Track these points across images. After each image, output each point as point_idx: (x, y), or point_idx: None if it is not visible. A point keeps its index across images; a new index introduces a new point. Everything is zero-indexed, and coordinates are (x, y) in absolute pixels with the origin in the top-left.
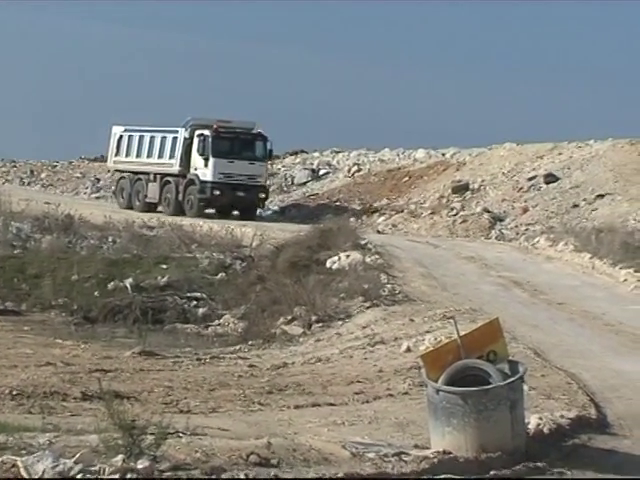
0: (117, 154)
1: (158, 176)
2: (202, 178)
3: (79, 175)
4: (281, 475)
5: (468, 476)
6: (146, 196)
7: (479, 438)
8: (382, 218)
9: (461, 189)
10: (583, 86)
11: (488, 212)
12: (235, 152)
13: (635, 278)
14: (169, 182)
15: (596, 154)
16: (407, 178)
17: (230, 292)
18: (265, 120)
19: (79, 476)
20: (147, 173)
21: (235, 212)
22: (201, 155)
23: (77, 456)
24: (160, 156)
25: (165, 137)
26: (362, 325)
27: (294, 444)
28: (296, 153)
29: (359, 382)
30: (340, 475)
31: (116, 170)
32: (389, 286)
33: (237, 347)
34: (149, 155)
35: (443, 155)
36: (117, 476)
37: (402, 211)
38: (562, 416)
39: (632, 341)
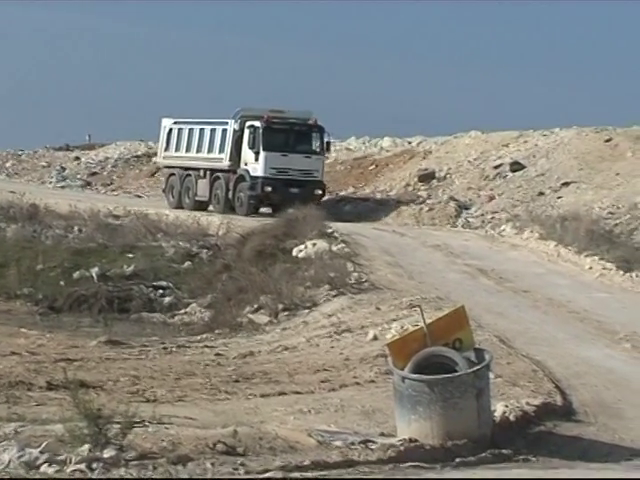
0: (167, 149)
1: (208, 172)
2: (252, 174)
3: (44, 164)
4: (248, 463)
5: (434, 464)
6: (196, 194)
7: (445, 426)
8: (348, 207)
9: (427, 177)
10: (548, 74)
11: (454, 200)
12: (289, 145)
13: (600, 266)
14: (219, 178)
15: (561, 142)
16: (373, 167)
17: (196, 281)
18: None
19: (45, 465)
20: (197, 169)
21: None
22: (251, 148)
23: (43, 446)
24: (210, 150)
25: (214, 130)
26: (328, 313)
27: (260, 432)
28: None
29: (325, 370)
30: (306, 463)
31: (165, 167)
32: (355, 274)
33: (203, 336)
34: (199, 149)
35: (409, 143)
36: (83, 465)
37: (368, 200)
38: (528, 403)
39: (596, 328)
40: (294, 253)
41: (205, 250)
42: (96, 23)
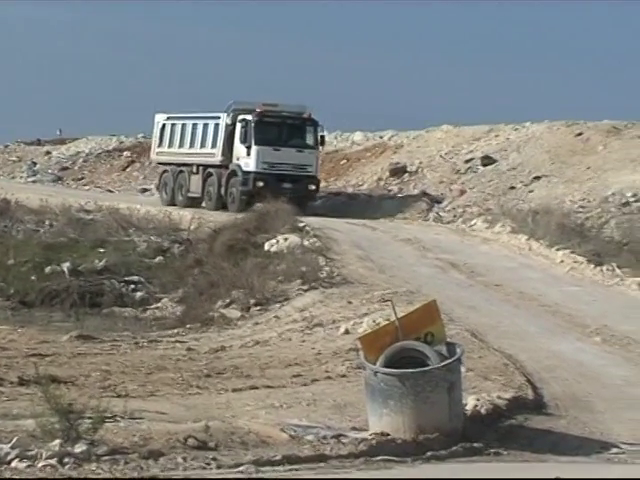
0: (160, 145)
1: (200, 168)
2: (244, 169)
3: (15, 159)
4: (219, 458)
5: (406, 457)
6: (189, 190)
7: (417, 419)
8: (320, 201)
9: (399, 171)
10: (519, 68)
11: (426, 194)
12: (281, 139)
13: (571, 259)
14: (211, 174)
15: (532, 136)
16: (345, 161)
17: (168, 276)
18: (202, 103)
19: (16, 461)
20: (190, 165)
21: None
22: (243, 143)
23: (14, 441)
24: (202, 145)
25: (207, 124)
26: (300, 308)
27: (232, 427)
28: None
29: (297, 365)
30: (278, 457)
31: (159, 163)
32: (327, 269)
33: (175, 331)
34: (191, 145)
35: (381, 138)
36: (54, 460)
37: (340, 194)
38: (499, 397)
39: (568, 322)
40: (266, 247)
41: (177, 245)
42: (67, 16)
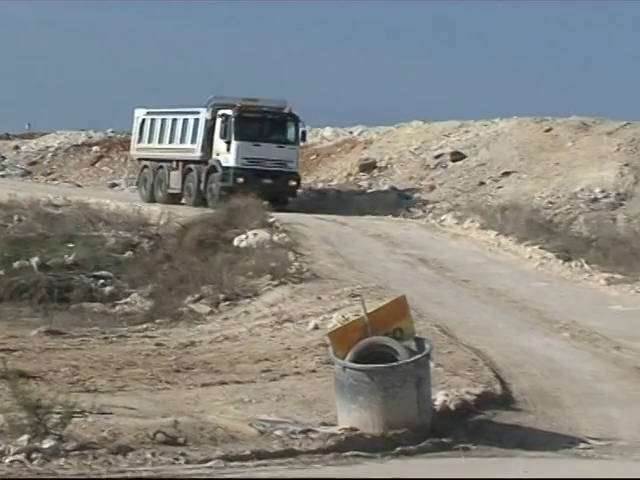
0: (140, 140)
1: (180, 164)
2: (224, 164)
3: None
4: (188, 453)
5: (374, 453)
6: (168, 186)
7: (385, 415)
8: (290, 197)
9: (368, 167)
10: (489, 64)
11: (395, 190)
12: (262, 134)
13: (540, 255)
14: (191, 170)
15: (502, 132)
16: (315, 156)
17: (137, 271)
18: (171, 99)
19: None
20: (170, 161)
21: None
22: (223, 138)
23: None
24: (182, 141)
25: (187, 119)
26: (270, 303)
27: (201, 422)
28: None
29: (266, 360)
30: (247, 453)
31: (139, 159)
32: (296, 264)
33: (144, 326)
34: (171, 140)
35: (351, 133)
36: (22, 456)
37: (309, 189)
38: (468, 392)
39: (536, 318)
40: (235, 243)
41: (146, 240)
42: (36, 10)
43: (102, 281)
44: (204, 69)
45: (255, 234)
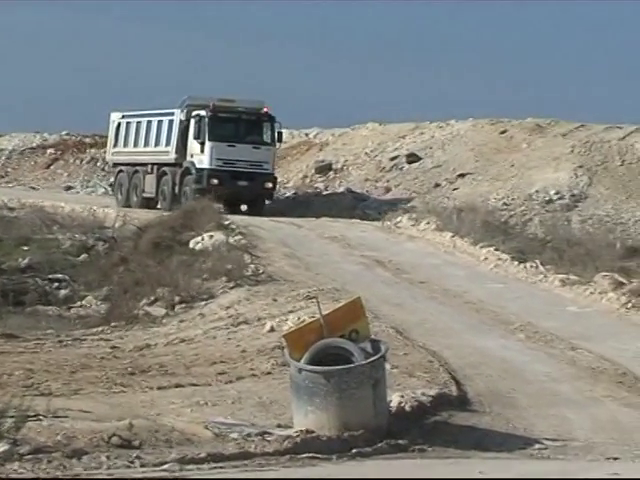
0: (115, 144)
1: (155, 167)
2: (198, 166)
3: None
4: (143, 456)
5: (330, 455)
6: (143, 190)
7: (342, 417)
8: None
9: (324, 169)
10: (443, 66)
11: (351, 192)
12: (236, 135)
13: (495, 257)
14: (165, 173)
15: (457, 134)
16: None
17: (92, 273)
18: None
19: None
20: (145, 164)
21: (243, 207)
22: (197, 139)
23: None
24: (157, 144)
25: (161, 121)
26: (225, 305)
27: (156, 425)
28: None
29: (222, 362)
30: (203, 455)
31: (115, 163)
32: (252, 266)
33: (99, 329)
34: (146, 143)
35: (306, 135)
36: None
37: None
38: (423, 394)
39: (492, 319)
40: (191, 245)
41: (101, 242)
42: None
43: (57, 284)
44: (169, 73)
45: (211, 236)
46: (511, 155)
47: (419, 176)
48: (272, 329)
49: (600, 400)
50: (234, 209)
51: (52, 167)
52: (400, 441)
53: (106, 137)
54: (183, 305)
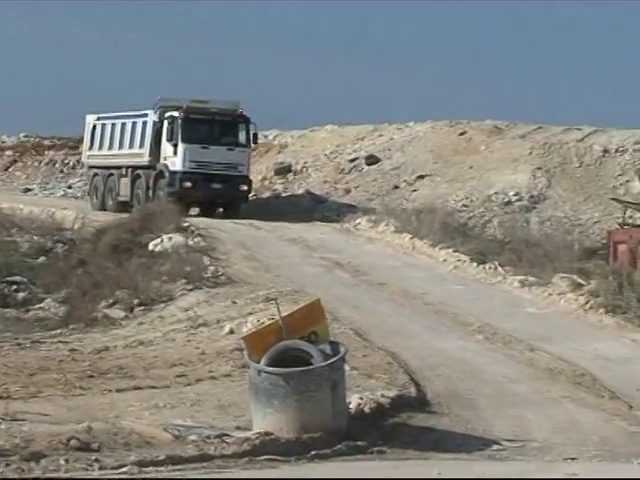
0: (91, 147)
1: (129, 170)
2: (171, 168)
3: None
4: (102, 459)
5: (289, 457)
6: (118, 194)
7: (300, 418)
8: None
9: (283, 171)
10: (402, 68)
11: (310, 194)
12: (211, 137)
13: (454, 258)
14: (139, 176)
15: (416, 136)
16: None
17: (51, 276)
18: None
19: None
20: (119, 167)
21: (220, 210)
22: (170, 141)
23: None
24: (131, 146)
25: (135, 123)
26: (185, 308)
27: (115, 428)
28: None
29: (181, 365)
30: (162, 458)
31: (90, 167)
32: (212, 268)
33: (58, 331)
34: (120, 146)
35: (265, 137)
36: None
37: None
38: (383, 395)
39: (451, 320)
40: (150, 247)
41: (60, 245)
42: None
43: (15, 286)
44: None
45: (170, 238)
46: (470, 157)
47: (378, 178)
48: (231, 331)
49: (558, 401)
50: (210, 213)
51: (10, 169)
52: (359, 443)
53: (65, 139)
54: (142, 307)
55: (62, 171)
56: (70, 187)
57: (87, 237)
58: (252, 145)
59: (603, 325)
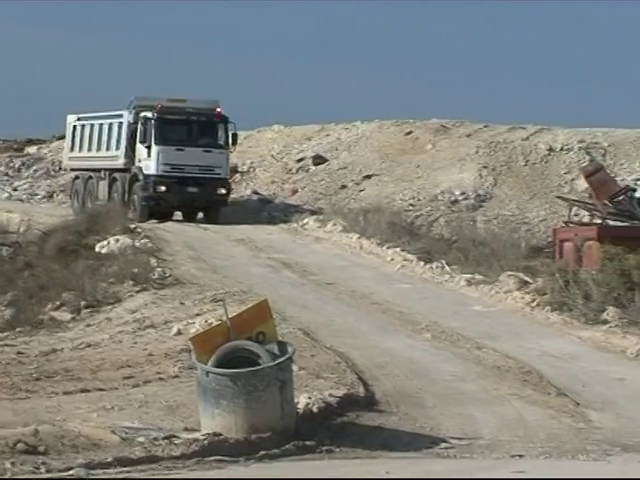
0: (72, 149)
1: (107, 173)
2: (145, 172)
3: None
4: (49, 462)
5: (238, 457)
6: (97, 198)
7: (249, 419)
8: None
9: (230, 172)
10: (348, 68)
11: (257, 194)
12: (186, 138)
13: (401, 257)
14: (116, 179)
15: (363, 135)
16: None
17: None
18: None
19: None
20: (98, 170)
21: (200, 215)
22: (143, 143)
23: None
24: (108, 148)
25: (111, 124)
26: (132, 309)
27: (62, 430)
28: (63, 137)
29: (129, 366)
30: (109, 460)
31: (71, 169)
32: (159, 270)
33: (4, 334)
34: (99, 148)
35: None
36: None
37: None
38: (331, 395)
39: (398, 319)
40: (97, 249)
41: (5, 247)
42: None
43: None
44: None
45: (117, 240)
46: (416, 156)
47: (325, 178)
48: (179, 332)
49: (505, 398)
50: (192, 217)
51: None
52: (308, 442)
53: (10, 141)
54: (89, 309)
55: (7, 174)
56: (16, 189)
57: (33, 240)
58: (232, 146)
59: (549, 323)
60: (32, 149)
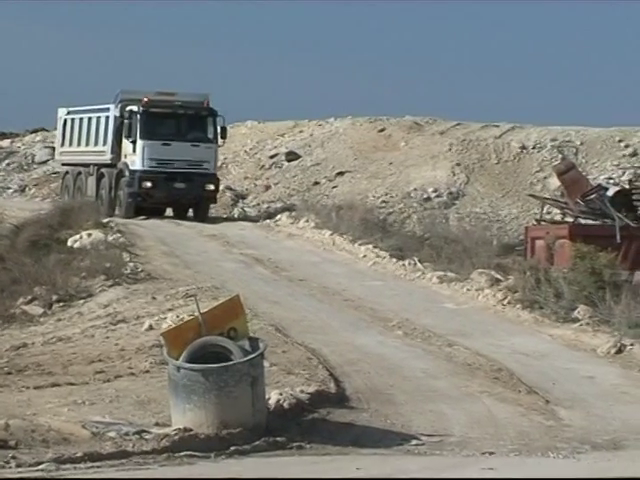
0: (62, 143)
1: (95, 168)
2: (131, 167)
3: None
4: (19, 456)
5: (209, 453)
6: (85, 194)
7: (220, 414)
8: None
9: None
10: (322, 65)
11: (230, 190)
12: (173, 132)
13: (374, 254)
14: (104, 175)
15: (336, 132)
16: None
17: None
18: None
19: None
20: (87, 165)
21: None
22: (128, 138)
23: None
24: (95, 143)
25: (99, 118)
26: (104, 304)
27: (33, 425)
28: (36, 131)
29: (100, 361)
30: (80, 455)
31: (62, 164)
32: (131, 264)
33: None
34: (87, 142)
35: None
36: None
37: None
38: (302, 391)
39: (370, 316)
40: (69, 243)
41: None
42: None
43: None
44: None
45: (89, 234)
46: (390, 153)
47: (298, 174)
48: (151, 327)
49: (476, 396)
50: (182, 214)
51: None
52: (278, 438)
53: None
54: (61, 304)
55: None
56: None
57: (5, 233)
58: (221, 140)
59: (520, 320)
60: (5, 142)
